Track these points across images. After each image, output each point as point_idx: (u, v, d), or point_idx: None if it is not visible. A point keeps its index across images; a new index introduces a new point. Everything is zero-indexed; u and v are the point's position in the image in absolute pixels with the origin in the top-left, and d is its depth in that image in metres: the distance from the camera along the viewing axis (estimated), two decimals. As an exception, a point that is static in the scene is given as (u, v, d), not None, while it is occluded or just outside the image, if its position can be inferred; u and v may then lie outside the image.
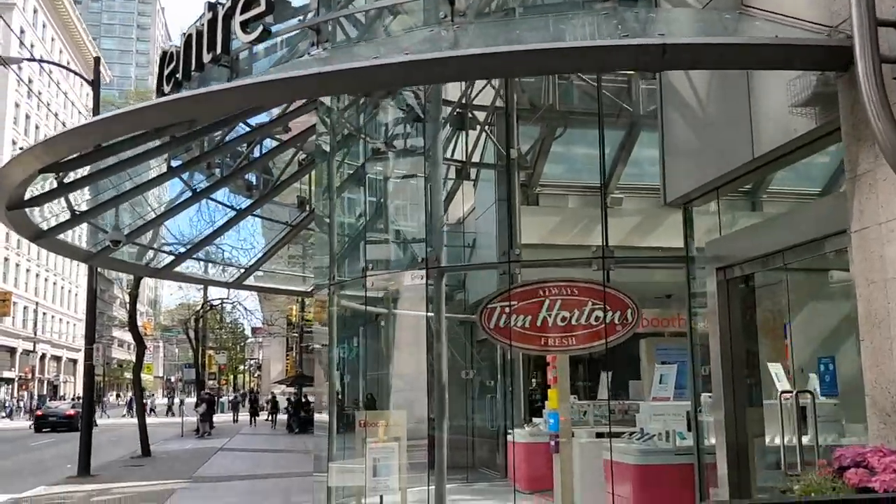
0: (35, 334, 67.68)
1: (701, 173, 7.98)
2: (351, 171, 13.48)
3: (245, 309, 57.61)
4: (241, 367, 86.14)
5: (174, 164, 12.30)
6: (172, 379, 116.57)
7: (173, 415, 54.75)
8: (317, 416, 15.12)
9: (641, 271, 10.64)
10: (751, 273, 7.63)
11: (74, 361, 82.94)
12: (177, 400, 70.49)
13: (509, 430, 14.00)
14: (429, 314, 9.82)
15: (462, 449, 15.27)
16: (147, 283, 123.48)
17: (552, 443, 11.23)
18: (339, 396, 13.72)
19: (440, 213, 9.66)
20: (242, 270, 17.71)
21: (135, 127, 7.34)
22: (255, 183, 14.62)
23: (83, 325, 74.01)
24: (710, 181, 7.86)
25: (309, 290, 22.40)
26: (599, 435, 10.61)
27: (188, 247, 16.06)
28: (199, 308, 48.11)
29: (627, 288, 8.76)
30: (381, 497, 11.18)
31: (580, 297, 8.61)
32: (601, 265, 8.54)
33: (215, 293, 50.91)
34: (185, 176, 13.42)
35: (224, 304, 52.46)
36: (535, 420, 12.90)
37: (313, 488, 12.39)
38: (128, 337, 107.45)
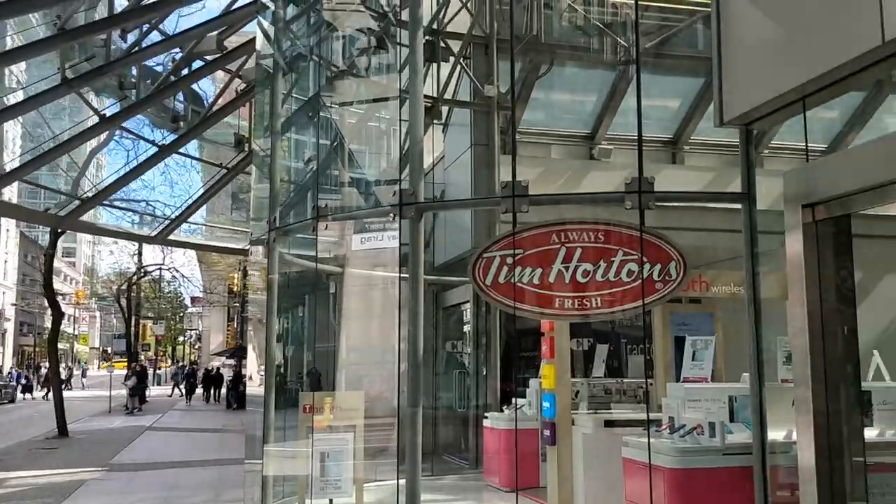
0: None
1: (779, 79, 5.86)
2: (301, 101, 11.12)
3: (182, 276, 54.51)
4: (181, 339, 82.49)
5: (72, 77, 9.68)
6: (109, 350, 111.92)
7: (70, 388, 49.65)
8: (249, 391, 12.77)
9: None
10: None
11: (4, 332, 78.30)
12: (76, 371, 65.54)
13: (485, 414, 11.85)
14: (400, 275, 7.56)
15: (424, 433, 13.19)
16: (84, 250, 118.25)
17: (546, 433, 9.13)
18: (281, 369, 11.57)
19: (418, 145, 7.31)
20: (167, 223, 15.07)
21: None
22: (182, 113, 12.05)
23: (13, 293, 69.28)
24: (794, 88, 5.75)
25: (246, 246, 19.84)
26: (608, 424, 8.50)
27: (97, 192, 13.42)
28: (132, 275, 44.91)
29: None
30: (331, 500, 8.97)
31: (608, 245, 6.40)
32: (636, 202, 6.29)
33: (150, 258, 47.63)
34: (93, 101, 10.81)
35: (162, 271, 49.29)
36: (519, 401, 10.77)
37: (244, 480, 10.12)
38: (68, 308, 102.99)
